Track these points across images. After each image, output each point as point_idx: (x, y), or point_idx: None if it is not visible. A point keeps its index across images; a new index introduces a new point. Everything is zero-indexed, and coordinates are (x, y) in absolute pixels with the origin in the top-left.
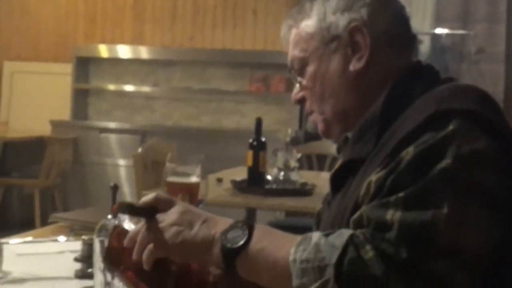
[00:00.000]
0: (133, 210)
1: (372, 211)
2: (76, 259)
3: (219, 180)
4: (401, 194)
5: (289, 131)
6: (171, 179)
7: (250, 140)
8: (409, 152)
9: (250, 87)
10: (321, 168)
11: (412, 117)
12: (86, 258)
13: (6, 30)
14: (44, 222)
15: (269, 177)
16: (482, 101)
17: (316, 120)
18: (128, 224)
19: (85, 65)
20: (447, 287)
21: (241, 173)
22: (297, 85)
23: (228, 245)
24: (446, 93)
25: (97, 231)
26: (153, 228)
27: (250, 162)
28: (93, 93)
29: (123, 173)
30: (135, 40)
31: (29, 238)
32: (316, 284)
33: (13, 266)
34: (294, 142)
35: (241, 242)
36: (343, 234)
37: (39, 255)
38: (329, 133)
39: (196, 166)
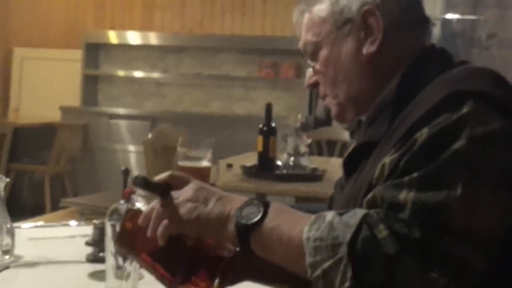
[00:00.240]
0: (148, 185)
1: (386, 192)
2: (88, 243)
3: (229, 166)
4: (414, 175)
5: (299, 116)
6: (183, 163)
7: (260, 126)
8: (423, 133)
9: (260, 73)
10: (331, 154)
11: (426, 99)
12: (97, 242)
13: (16, 17)
14: (55, 208)
15: (279, 163)
16: (496, 83)
17: (329, 104)
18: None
19: (95, 51)
20: (461, 267)
21: (251, 159)
22: (310, 70)
23: (243, 221)
24: (460, 75)
25: (108, 215)
26: (168, 204)
27: (260, 147)
28: (103, 79)
29: (133, 159)
30: (144, 26)
31: (41, 223)
32: (329, 262)
33: (25, 250)
34: (304, 127)
35: (256, 219)
36: (357, 213)
37: (51, 239)
38: (343, 117)
39: (207, 150)
